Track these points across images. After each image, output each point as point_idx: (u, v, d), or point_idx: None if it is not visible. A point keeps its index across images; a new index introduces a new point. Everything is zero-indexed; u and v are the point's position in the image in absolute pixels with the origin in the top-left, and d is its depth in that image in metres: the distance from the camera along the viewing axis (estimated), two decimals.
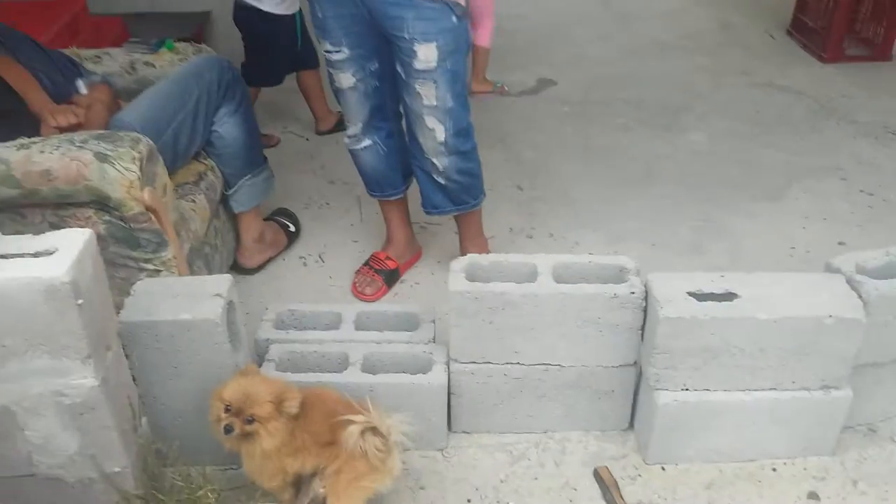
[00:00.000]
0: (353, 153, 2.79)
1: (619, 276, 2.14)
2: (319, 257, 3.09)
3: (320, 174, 3.63)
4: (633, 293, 2.06)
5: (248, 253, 2.94)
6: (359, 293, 2.86)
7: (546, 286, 2.08)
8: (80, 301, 1.61)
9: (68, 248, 1.64)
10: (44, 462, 1.81)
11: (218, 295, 2.06)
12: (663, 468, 2.17)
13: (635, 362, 2.18)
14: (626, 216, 3.28)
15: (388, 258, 2.92)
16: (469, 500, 2.10)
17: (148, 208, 2.16)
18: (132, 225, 2.15)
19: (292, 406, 1.88)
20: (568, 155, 3.75)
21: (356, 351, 2.24)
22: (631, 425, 2.28)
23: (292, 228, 3.15)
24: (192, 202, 2.53)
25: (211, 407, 1.88)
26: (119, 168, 2.06)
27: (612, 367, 2.18)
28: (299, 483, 2.00)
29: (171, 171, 2.60)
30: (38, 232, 2.10)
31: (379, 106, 2.65)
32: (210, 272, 2.60)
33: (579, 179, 3.55)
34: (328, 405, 1.92)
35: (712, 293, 2.01)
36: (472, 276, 2.15)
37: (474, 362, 2.18)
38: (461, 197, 2.72)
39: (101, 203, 2.13)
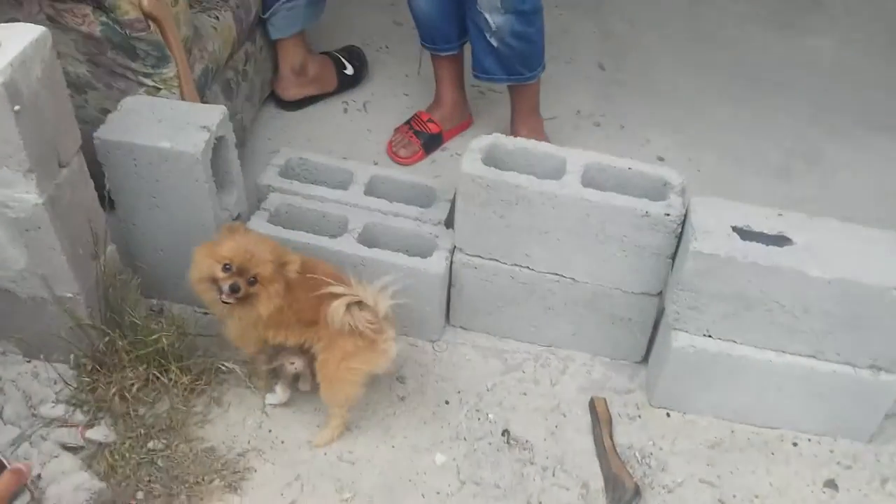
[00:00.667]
0: None
1: (659, 191, 1.82)
2: (364, 105, 2.83)
3: (388, 11, 3.27)
4: (667, 214, 1.74)
5: (284, 83, 2.70)
6: (392, 153, 2.61)
7: (569, 187, 1.78)
8: (16, 107, 1.42)
9: (12, 46, 1.43)
10: None
11: (205, 127, 1.85)
12: (668, 414, 1.92)
13: (660, 293, 1.88)
14: (714, 121, 2.86)
15: (430, 120, 2.63)
16: (447, 402, 1.92)
17: (147, 15, 1.92)
18: (128, 31, 1.93)
19: (292, 269, 1.67)
20: (667, 37, 3.28)
21: (358, 218, 2.02)
22: (645, 359, 2.02)
23: (349, 71, 2.85)
24: (215, 19, 2.28)
25: (198, 263, 1.66)
26: None
27: (632, 292, 1.90)
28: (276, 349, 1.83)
29: None
30: (33, 24, 1.92)
31: None
32: (230, 100, 2.37)
33: (672, 68, 3.10)
34: (315, 279, 1.67)
35: (762, 233, 1.68)
36: (491, 160, 1.87)
37: (479, 256, 1.94)
38: (514, 66, 2.38)
39: (99, 1, 1.90)
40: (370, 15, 3.23)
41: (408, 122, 2.66)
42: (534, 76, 2.44)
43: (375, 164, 2.56)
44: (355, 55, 2.90)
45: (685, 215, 1.75)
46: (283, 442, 1.80)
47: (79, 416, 1.74)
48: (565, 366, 2.01)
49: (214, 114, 1.90)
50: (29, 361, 1.84)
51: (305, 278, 1.68)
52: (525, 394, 1.94)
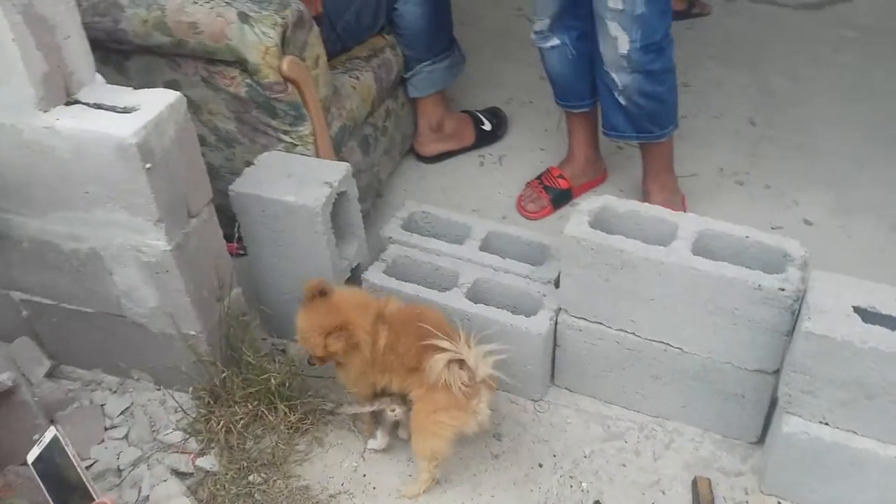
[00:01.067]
0: (540, 52, 2.49)
1: (778, 262, 1.71)
2: (499, 159, 2.88)
3: (536, 67, 3.29)
4: (781, 289, 1.63)
5: (423, 140, 2.80)
6: (521, 207, 2.63)
7: (677, 254, 1.72)
8: (147, 165, 1.58)
9: (149, 109, 1.60)
10: (130, 308, 1.88)
11: (328, 183, 1.97)
12: (779, 503, 1.78)
13: (776, 371, 1.76)
14: (874, 183, 2.64)
15: (560, 176, 2.63)
16: (541, 465, 1.89)
17: (286, 78, 2.07)
18: (269, 93, 2.09)
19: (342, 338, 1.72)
20: (830, 93, 3.07)
21: (469, 273, 2.05)
22: (761, 440, 1.89)
23: (487, 127, 2.92)
24: (356, 79, 2.42)
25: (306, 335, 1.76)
26: (257, 32, 1.98)
27: (745, 369, 1.79)
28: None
29: (350, 48, 2.51)
30: (190, 84, 2.15)
31: (573, 1, 2.29)
32: (366, 155, 2.50)
33: (832, 125, 2.90)
34: (422, 328, 1.71)
35: (891, 315, 1.53)
36: (600, 222, 1.84)
37: (584, 319, 1.91)
38: (643, 124, 2.33)
39: (244, 65, 2.08)
40: (519, 70, 3.28)
41: (539, 177, 2.67)
42: (664, 134, 2.38)
43: (504, 218, 2.60)
44: (495, 114, 2.97)
45: (803, 291, 1.64)
46: (374, 488, 1.84)
47: (192, 444, 1.88)
48: (671, 439, 1.92)
49: (338, 170, 2.02)
50: (158, 389, 2.01)
51: (415, 325, 1.73)
52: (624, 465, 1.87)
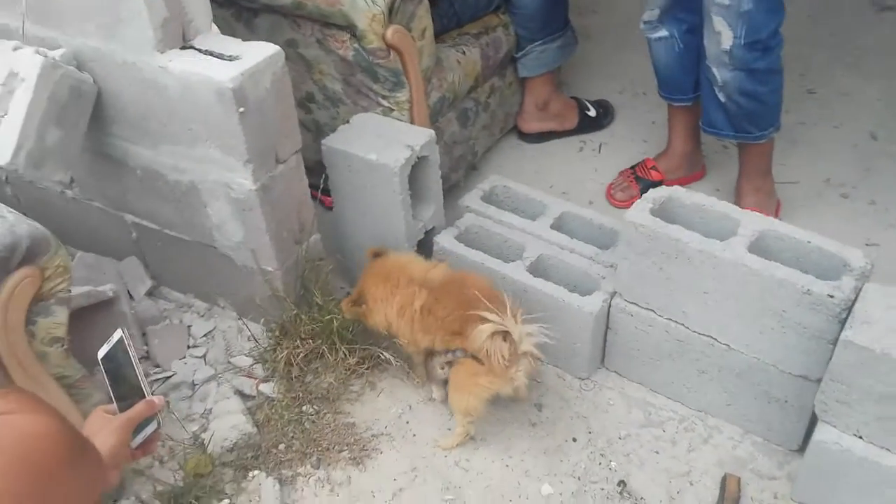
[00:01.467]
0: (648, 42, 2.49)
1: (837, 271, 1.68)
2: (599, 146, 2.90)
3: None
4: (830, 296, 1.60)
5: (526, 117, 2.87)
6: (610, 195, 2.65)
7: (731, 250, 1.72)
8: (241, 109, 1.75)
9: (249, 59, 1.77)
10: (220, 240, 2.07)
11: (409, 146, 2.08)
12: None
13: (820, 379, 1.73)
14: None
15: (654, 168, 2.63)
16: (575, 439, 1.95)
17: (389, 45, 2.20)
18: (372, 58, 2.23)
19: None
20: None
21: (535, 248, 2.12)
22: (802, 448, 1.86)
23: (592, 113, 2.95)
24: (462, 53, 2.51)
25: None
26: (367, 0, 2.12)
27: (789, 373, 1.77)
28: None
29: (464, 24, 2.61)
30: (306, 44, 2.33)
31: None
32: (464, 127, 2.60)
33: None
34: (467, 294, 1.82)
35: None
36: (665, 212, 1.86)
37: (636, 304, 1.94)
38: (742, 123, 2.30)
39: (353, 30, 2.22)
40: (639, 60, 3.22)
41: (633, 167, 2.68)
42: (763, 136, 2.33)
43: (591, 203, 2.63)
44: (602, 105, 2.99)
45: (853, 300, 1.60)
46: (414, 435, 1.96)
47: (259, 371, 2.06)
48: (710, 435, 1.92)
49: (422, 136, 2.13)
50: (238, 318, 2.21)
51: (457, 290, 1.84)
52: (657, 452, 1.90)
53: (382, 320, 1.91)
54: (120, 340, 1.26)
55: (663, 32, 2.40)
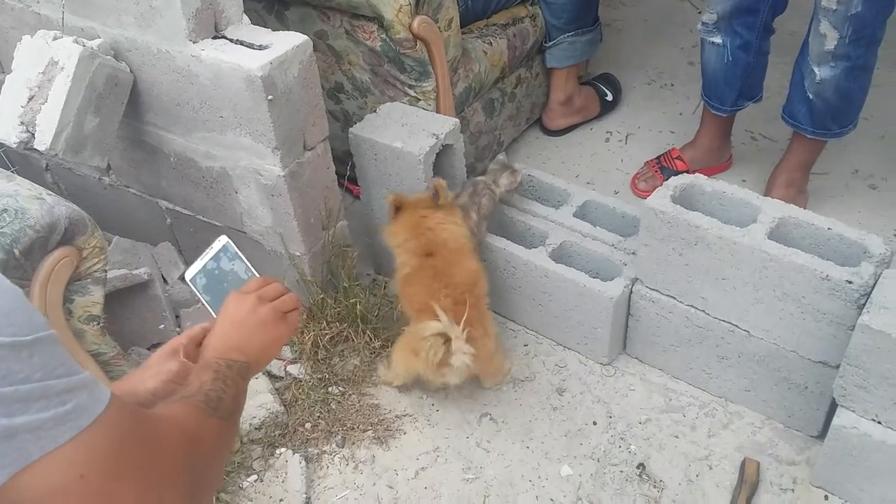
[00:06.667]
0: (701, 42, 2.46)
1: (857, 258, 1.69)
2: (626, 137, 2.92)
3: (687, 52, 3.30)
4: (849, 282, 1.61)
5: (552, 114, 2.89)
6: (634, 185, 2.67)
7: (750, 236, 1.73)
8: (270, 97, 1.80)
9: (277, 48, 1.82)
10: (250, 225, 2.13)
11: (434, 135, 2.12)
12: (826, 497, 1.77)
13: (839, 365, 1.74)
14: None
15: (679, 158, 2.64)
16: (595, 423, 1.97)
17: (416, 36, 2.24)
18: (399, 49, 2.27)
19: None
20: None
21: (558, 235, 2.15)
22: (822, 434, 1.86)
23: (609, 97, 2.98)
24: (489, 44, 2.55)
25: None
26: None
27: (809, 359, 1.78)
28: None
29: (492, 14, 2.65)
30: (335, 35, 2.38)
31: (747, 7, 2.26)
32: (489, 118, 2.64)
33: None
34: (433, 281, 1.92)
35: None
36: (686, 199, 1.88)
37: (657, 291, 1.96)
38: (824, 121, 2.27)
39: (381, 21, 2.27)
40: (668, 52, 3.28)
41: (658, 157, 2.69)
42: (841, 133, 2.31)
43: (615, 193, 2.65)
44: (611, 81, 3.02)
45: (872, 287, 1.61)
46: (437, 411, 2.00)
47: (287, 353, 2.12)
48: (730, 420, 1.94)
49: (447, 125, 2.17)
50: None
51: (428, 274, 1.92)
52: (677, 436, 1.92)
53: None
54: (226, 247, 1.17)
55: (718, 39, 2.36)
